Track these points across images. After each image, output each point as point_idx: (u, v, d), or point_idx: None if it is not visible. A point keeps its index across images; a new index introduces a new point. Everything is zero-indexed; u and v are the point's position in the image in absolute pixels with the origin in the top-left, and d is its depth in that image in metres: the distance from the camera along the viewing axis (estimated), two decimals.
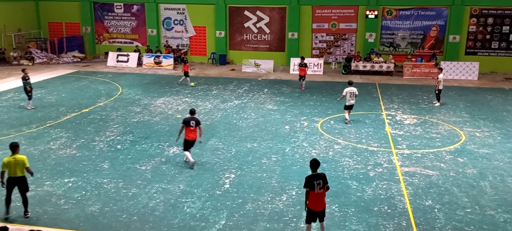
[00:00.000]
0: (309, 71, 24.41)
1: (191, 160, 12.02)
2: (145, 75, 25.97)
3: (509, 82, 24.38)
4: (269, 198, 10.28)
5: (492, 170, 12.05)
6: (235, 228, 8.99)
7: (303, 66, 22.14)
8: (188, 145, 12.06)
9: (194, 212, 9.61)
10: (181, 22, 30.99)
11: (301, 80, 22.17)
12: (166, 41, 31.08)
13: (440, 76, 19.04)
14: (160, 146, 13.78)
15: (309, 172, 8.32)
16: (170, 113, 17.57)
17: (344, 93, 16.05)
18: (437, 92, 19.26)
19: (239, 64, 29.06)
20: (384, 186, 10.94)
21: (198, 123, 12.03)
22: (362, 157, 12.91)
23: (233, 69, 28.04)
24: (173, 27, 31.23)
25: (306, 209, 8.27)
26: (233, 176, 11.55)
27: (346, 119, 16.23)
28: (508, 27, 26.78)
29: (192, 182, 11.13)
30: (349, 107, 16.21)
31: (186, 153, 12.06)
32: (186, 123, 11.95)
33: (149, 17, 31.17)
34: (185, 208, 9.82)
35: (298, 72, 22.88)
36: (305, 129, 15.66)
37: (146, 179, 11.34)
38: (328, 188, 8.26)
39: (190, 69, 23.40)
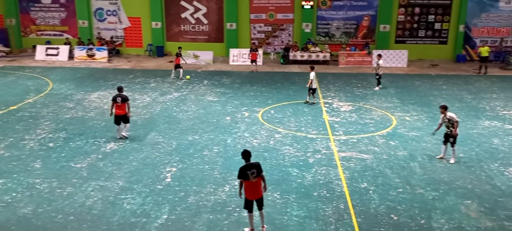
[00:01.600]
0: (249, 62, 25.79)
1: (120, 134, 13.44)
2: (77, 69, 24.82)
3: (435, 69, 26.01)
4: (211, 190, 10.27)
5: (420, 151, 12.83)
6: (178, 221, 8.91)
7: (254, 51, 25.19)
8: (116, 120, 13.38)
9: (134, 208, 9.39)
10: (115, 13, 29.88)
11: (254, 64, 24.98)
12: (98, 33, 29.84)
13: (380, 62, 20.28)
14: (96, 142, 13.27)
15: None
16: (106, 108, 16.94)
17: (311, 78, 17.28)
18: (378, 77, 20.27)
19: None
20: (323, 172, 11.31)
21: (124, 99, 13.21)
22: (302, 145, 13.24)
23: (171, 61, 27.51)
24: (105, 18, 30.04)
25: (242, 197, 8.47)
26: (174, 169, 11.40)
27: (308, 100, 17.83)
28: (433, 16, 28.46)
29: (131, 178, 10.85)
30: (314, 91, 17.61)
31: (117, 127, 13.45)
32: (113, 99, 13.28)
33: (79, 8, 29.73)
34: (125, 204, 9.56)
35: (248, 60, 26.04)
36: (246, 119, 15.76)
37: (82, 177, 10.90)
38: (263, 177, 8.39)
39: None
